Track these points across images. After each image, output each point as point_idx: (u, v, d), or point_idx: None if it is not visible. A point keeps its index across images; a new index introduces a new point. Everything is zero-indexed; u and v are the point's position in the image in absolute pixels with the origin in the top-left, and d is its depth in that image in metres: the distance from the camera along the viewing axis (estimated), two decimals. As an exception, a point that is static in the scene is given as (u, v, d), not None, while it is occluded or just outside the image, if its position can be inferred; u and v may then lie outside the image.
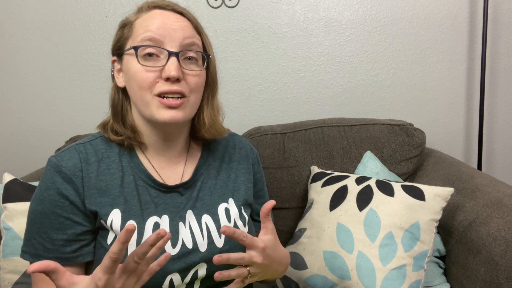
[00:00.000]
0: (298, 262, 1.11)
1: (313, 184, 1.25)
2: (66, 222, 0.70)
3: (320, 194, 1.19)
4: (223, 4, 1.53)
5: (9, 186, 1.08)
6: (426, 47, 1.60)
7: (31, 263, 0.69)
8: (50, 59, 1.52)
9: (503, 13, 1.58)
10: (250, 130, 1.45)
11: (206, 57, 0.76)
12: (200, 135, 0.82)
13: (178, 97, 0.71)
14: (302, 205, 1.34)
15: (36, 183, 1.14)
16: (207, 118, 0.80)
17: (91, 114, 1.57)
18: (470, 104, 1.65)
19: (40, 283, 0.71)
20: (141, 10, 0.76)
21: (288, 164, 1.36)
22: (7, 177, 1.10)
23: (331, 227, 1.09)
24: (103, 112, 1.54)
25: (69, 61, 1.53)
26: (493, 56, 1.62)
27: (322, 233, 1.09)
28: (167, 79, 0.70)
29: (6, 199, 1.06)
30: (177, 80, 0.70)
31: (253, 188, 0.90)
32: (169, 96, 0.71)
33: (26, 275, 1.01)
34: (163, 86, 0.70)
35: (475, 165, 1.66)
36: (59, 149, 1.39)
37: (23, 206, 1.05)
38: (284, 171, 1.36)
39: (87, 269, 0.75)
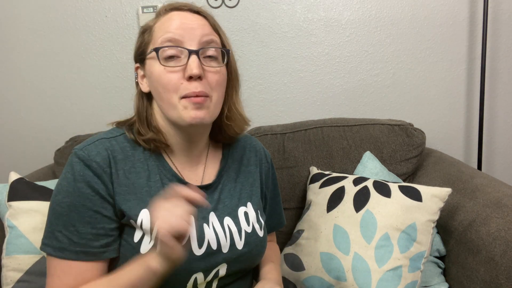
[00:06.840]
0: (295, 263, 1.11)
1: (312, 185, 1.25)
2: (96, 216, 0.70)
3: (318, 195, 1.19)
4: (223, 4, 1.52)
5: (14, 185, 1.09)
6: (426, 47, 1.60)
7: (53, 256, 0.69)
8: (50, 59, 1.52)
9: (503, 13, 1.58)
10: (250, 130, 1.45)
11: (225, 53, 0.77)
12: (229, 132, 0.83)
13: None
14: (301, 205, 1.34)
15: (38, 183, 1.14)
16: (236, 112, 0.82)
17: (91, 114, 1.57)
18: (470, 104, 1.65)
19: (61, 275, 0.69)
20: (159, 14, 0.77)
21: (288, 164, 1.36)
22: (13, 176, 1.11)
23: (328, 229, 1.09)
24: (103, 112, 1.57)
25: (69, 61, 1.53)
26: (493, 56, 1.61)
27: (319, 235, 1.09)
28: (190, 78, 0.71)
29: (12, 198, 1.06)
30: (199, 78, 0.71)
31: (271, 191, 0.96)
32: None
33: (29, 273, 1.01)
34: (187, 89, 0.71)
35: (475, 165, 1.65)
36: (59, 149, 1.39)
37: (28, 205, 1.05)
38: (284, 171, 1.36)
39: (110, 267, 0.74)
